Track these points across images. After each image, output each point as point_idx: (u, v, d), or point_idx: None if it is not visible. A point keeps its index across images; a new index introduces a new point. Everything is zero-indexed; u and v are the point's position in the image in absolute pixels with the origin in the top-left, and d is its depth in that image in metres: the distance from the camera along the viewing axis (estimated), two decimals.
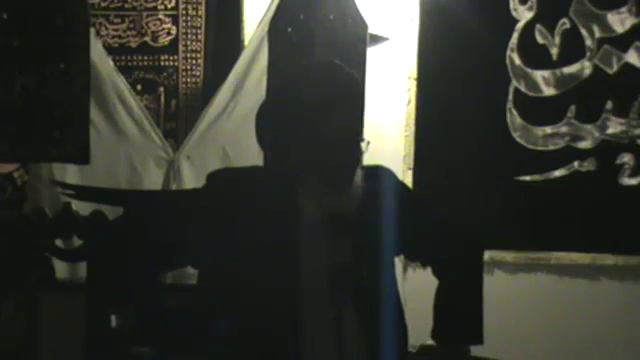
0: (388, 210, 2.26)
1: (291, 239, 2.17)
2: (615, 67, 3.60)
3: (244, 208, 2.18)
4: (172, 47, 4.10)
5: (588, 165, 3.64)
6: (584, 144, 3.64)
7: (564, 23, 3.66)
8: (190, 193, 2.84)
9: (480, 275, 2.43)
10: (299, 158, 2.18)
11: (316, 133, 2.16)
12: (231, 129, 3.77)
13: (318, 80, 2.21)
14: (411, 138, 3.93)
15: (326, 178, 2.18)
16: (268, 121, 2.26)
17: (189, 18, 4.10)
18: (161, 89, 4.09)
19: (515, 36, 3.74)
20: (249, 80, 3.79)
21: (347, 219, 2.20)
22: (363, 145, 2.22)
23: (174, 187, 3.80)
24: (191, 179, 3.76)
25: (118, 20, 4.08)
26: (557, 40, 3.68)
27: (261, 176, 2.27)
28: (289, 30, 3.69)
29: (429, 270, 2.47)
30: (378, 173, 2.33)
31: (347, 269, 2.20)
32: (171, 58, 4.10)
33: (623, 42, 3.59)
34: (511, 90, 3.75)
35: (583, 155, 3.64)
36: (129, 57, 4.07)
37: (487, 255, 3.58)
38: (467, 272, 2.42)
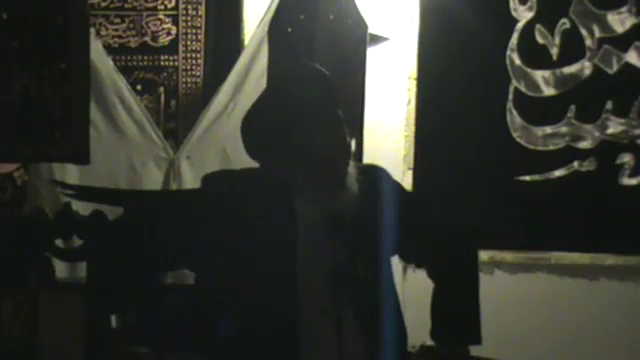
0: (383, 210, 2.26)
1: (287, 240, 2.17)
2: (615, 67, 3.60)
3: (240, 210, 2.18)
4: (172, 47, 4.10)
5: (588, 165, 3.63)
6: (584, 144, 3.64)
7: (564, 23, 3.66)
8: (187, 195, 2.85)
9: (476, 275, 2.43)
10: (287, 164, 2.20)
11: (297, 140, 2.17)
12: (231, 129, 3.77)
13: (293, 89, 2.22)
14: (411, 138, 3.93)
15: (315, 181, 2.19)
16: (253, 129, 2.27)
17: (189, 18, 4.10)
18: (161, 89, 4.09)
19: (515, 36, 3.74)
20: (249, 80, 3.79)
21: (342, 219, 2.20)
22: (352, 143, 2.23)
23: (174, 187, 3.80)
24: (191, 179, 3.76)
25: (118, 20, 4.08)
26: (557, 40, 3.68)
27: (257, 178, 2.28)
28: (289, 30, 3.69)
29: None
30: (373, 172, 2.33)
31: (344, 269, 2.20)
32: (171, 58, 4.10)
33: (623, 42, 3.59)
34: (511, 90, 3.74)
35: (583, 155, 3.64)
36: (129, 57, 4.07)
37: (487, 255, 3.61)
38: (463, 272, 2.42)
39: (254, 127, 2.28)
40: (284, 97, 2.22)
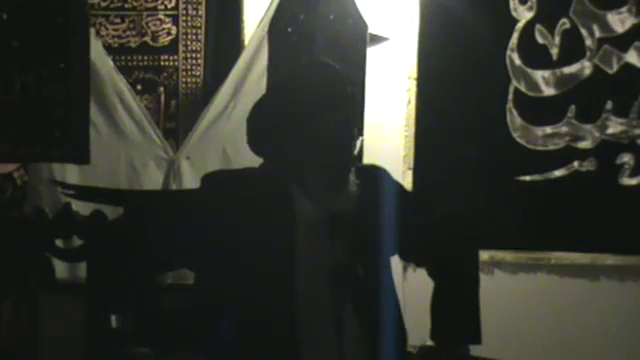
0: (382, 209, 2.26)
1: (286, 240, 2.17)
2: (615, 67, 3.59)
3: (240, 210, 2.18)
4: (172, 47, 4.11)
5: (588, 165, 3.63)
6: (584, 144, 3.64)
7: (564, 23, 3.66)
8: (187, 195, 2.85)
9: (476, 275, 2.42)
10: (294, 159, 2.19)
11: (311, 134, 2.17)
12: (231, 129, 3.78)
13: (312, 82, 2.21)
14: (411, 138, 3.93)
15: (321, 177, 2.19)
16: (262, 123, 2.26)
17: (189, 18, 4.10)
18: (161, 89, 4.10)
19: (515, 36, 3.74)
20: (249, 80, 3.79)
21: (342, 218, 2.20)
22: (357, 143, 2.23)
23: (174, 187, 3.80)
24: (191, 179, 3.77)
25: (118, 20, 4.08)
26: (557, 40, 3.68)
27: (256, 177, 2.27)
28: (289, 30, 3.69)
29: None
30: (373, 172, 2.33)
31: (344, 269, 2.20)
32: (171, 58, 4.10)
33: (623, 42, 3.58)
34: (511, 90, 3.74)
35: (583, 155, 3.64)
36: (129, 57, 4.08)
37: (487, 255, 3.61)
38: (463, 272, 2.42)
39: (264, 119, 2.26)
40: (299, 92, 2.21)
